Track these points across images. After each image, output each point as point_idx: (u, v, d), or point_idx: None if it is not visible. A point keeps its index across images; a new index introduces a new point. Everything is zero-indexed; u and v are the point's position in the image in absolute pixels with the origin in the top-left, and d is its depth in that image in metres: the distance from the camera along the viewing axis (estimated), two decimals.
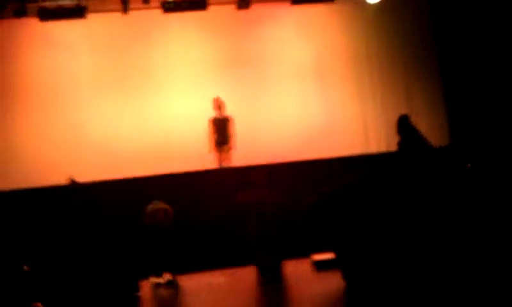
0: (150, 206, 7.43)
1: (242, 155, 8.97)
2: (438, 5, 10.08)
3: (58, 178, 8.15)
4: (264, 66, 9.95)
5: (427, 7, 10.21)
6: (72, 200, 7.36)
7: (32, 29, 9.54)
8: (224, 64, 9.89)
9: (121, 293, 6.29)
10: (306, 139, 9.66)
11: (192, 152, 9.16)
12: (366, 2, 9.60)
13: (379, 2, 9.58)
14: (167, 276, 7.27)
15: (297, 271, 7.16)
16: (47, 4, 9.24)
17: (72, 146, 9.40)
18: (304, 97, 9.98)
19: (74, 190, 7.25)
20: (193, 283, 7.15)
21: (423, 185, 6.15)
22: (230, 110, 9.11)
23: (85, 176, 8.24)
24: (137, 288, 6.66)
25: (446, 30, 9.98)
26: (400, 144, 6.61)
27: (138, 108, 9.70)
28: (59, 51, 9.66)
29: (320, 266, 7.20)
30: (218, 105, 9.07)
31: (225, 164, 8.95)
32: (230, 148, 9.02)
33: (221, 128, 9.06)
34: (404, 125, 6.56)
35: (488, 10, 9.24)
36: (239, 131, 9.09)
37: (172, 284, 7.21)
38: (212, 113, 9.09)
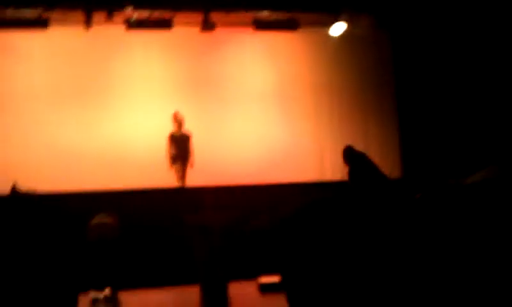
0: (95, 220, 7.26)
1: (197, 174, 8.95)
2: (398, 42, 10.40)
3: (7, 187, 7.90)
4: (224, 89, 10.04)
5: (389, 43, 10.50)
6: (13, 208, 7.12)
7: None
8: (185, 84, 9.96)
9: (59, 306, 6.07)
10: (263, 163, 9.76)
11: (148, 168, 9.16)
12: (329, 34, 9.83)
13: (341, 35, 9.84)
14: (107, 291, 7.06)
15: (243, 292, 7.05)
16: (8, 13, 9.14)
17: (26, 155, 9.20)
18: (263, 121, 10.13)
19: (15, 198, 7.03)
20: (135, 299, 6.96)
21: (371, 214, 6.20)
22: (188, 128, 9.14)
23: (37, 185, 8.01)
24: (75, 302, 6.43)
25: (405, 66, 10.27)
26: (350, 173, 6.61)
27: (96, 122, 9.62)
28: (18, 61, 9.51)
29: (265, 289, 7.13)
30: (178, 120, 9.07)
31: (181, 182, 8.90)
32: (188, 165, 8.97)
33: (180, 145, 9.03)
34: (350, 155, 6.59)
35: (446, 50, 9.55)
36: (196, 150, 9.10)
37: (111, 300, 7.00)
38: (170, 129, 9.07)
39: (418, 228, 5.82)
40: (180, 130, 9.11)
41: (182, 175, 8.94)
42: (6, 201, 7.17)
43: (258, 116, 10.09)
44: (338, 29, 9.80)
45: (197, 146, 9.14)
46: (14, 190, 7.10)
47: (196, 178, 8.85)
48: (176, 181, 8.95)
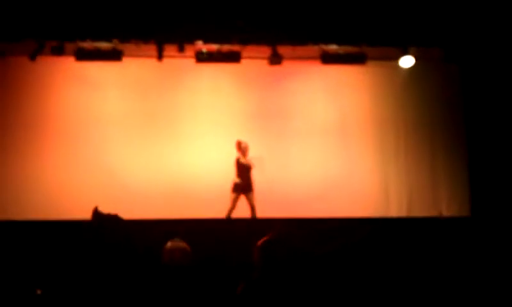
0: (169, 244, 7.83)
1: (260, 205, 9.44)
2: (468, 76, 10.69)
3: (79, 213, 8.64)
4: (291, 121, 10.64)
5: (458, 77, 10.82)
6: (91, 230, 7.79)
7: (68, 67, 10.38)
8: (251, 116, 10.60)
9: None
10: (325, 196, 10.14)
11: (213, 200, 9.68)
12: (397, 66, 10.29)
13: (408, 68, 10.24)
14: None
15: None
16: (85, 44, 10.08)
17: (95, 184, 10.03)
18: (327, 154, 10.60)
19: (95, 220, 7.69)
20: None
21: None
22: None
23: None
24: None
25: (475, 101, 10.53)
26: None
27: (163, 152, 10.41)
28: (92, 91, 10.48)
29: None
30: (242, 148, 9.51)
31: (252, 213, 9.35)
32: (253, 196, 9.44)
33: (244, 174, 9.47)
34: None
35: None
36: (259, 181, 9.59)
37: None
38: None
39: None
40: (245, 158, 9.55)
41: (251, 205, 9.37)
42: (92, 224, 7.89)
43: (324, 149, 10.57)
44: (407, 61, 10.23)
45: (260, 178, 9.61)
46: (97, 213, 7.80)
47: (259, 209, 9.35)
48: (228, 211, 9.33)
